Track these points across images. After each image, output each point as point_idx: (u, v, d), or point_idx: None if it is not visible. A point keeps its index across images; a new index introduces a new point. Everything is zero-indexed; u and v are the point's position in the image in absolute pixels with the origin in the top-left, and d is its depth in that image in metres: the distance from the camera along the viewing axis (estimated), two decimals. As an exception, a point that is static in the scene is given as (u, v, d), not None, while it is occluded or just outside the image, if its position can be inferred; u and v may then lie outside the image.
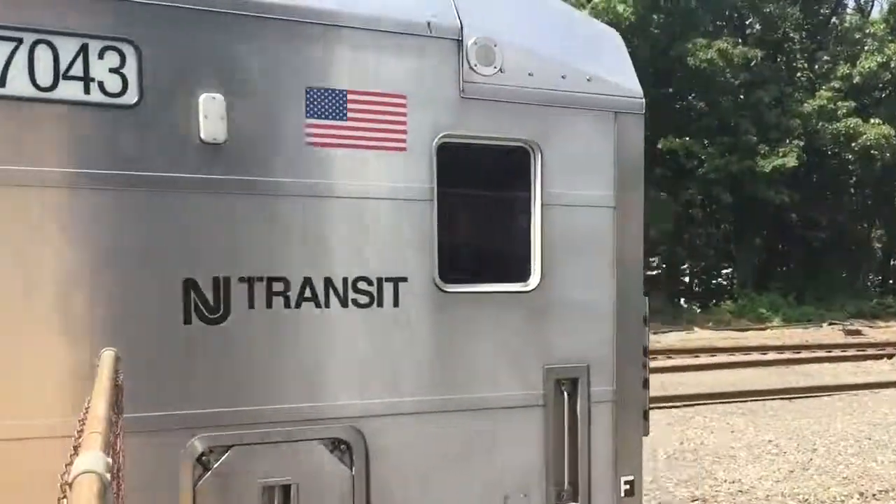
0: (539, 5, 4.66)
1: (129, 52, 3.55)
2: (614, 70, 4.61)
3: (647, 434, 4.87)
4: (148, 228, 3.64)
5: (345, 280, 4.01)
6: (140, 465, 3.38)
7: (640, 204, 4.73)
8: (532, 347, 4.44)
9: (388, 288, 4.11)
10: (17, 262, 3.43)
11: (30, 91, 3.39)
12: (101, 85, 3.52)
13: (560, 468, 4.55)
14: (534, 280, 4.42)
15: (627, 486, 4.73)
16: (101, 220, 3.57)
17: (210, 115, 3.67)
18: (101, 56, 3.51)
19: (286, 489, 3.90)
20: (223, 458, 3.79)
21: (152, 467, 3.59)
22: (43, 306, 3.46)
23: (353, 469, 4.03)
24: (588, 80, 4.46)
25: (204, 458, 3.76)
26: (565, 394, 4.54)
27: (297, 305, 3.93)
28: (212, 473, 3.75)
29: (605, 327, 4.60)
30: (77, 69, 3.50)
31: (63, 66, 3.48)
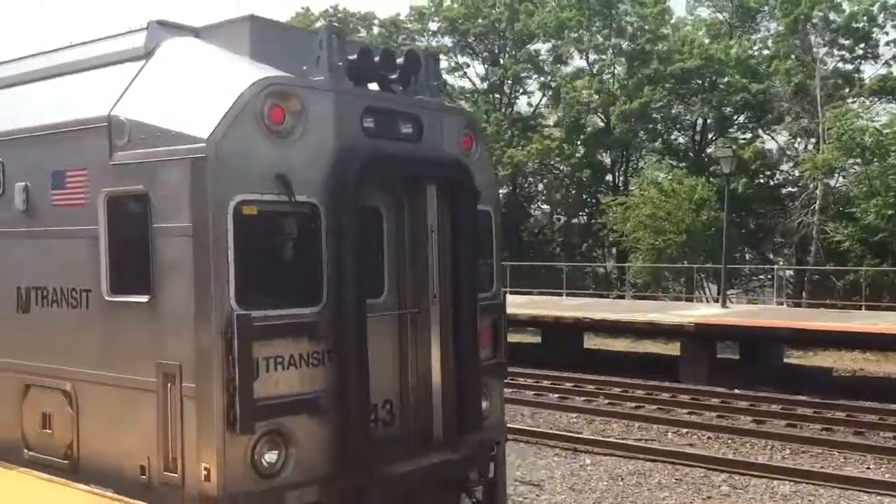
0: (162, 89, 6.10)
1: None
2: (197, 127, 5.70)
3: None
4: None
5: (64, 289, 6.45)
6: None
7: (225, 230, 5.50)
8: (150, 345, 5.87)
9: (83, 295, 6.30)
10: None
11: None
12: None
13: (167, 444, 5.74)
14: (150, 294, 5.88)
15: (206, 472, 5.49)
16: None
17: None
18: None
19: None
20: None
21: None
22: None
23: (71, 410, 6.36)
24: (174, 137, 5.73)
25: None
26: (168, 385, 5.71)
27: (51, 304, 6.59)
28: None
29: (189, 336, 5.60)
30: None
31: None
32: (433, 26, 48.18)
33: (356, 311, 6.01)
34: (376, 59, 6.63)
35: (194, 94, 6.11)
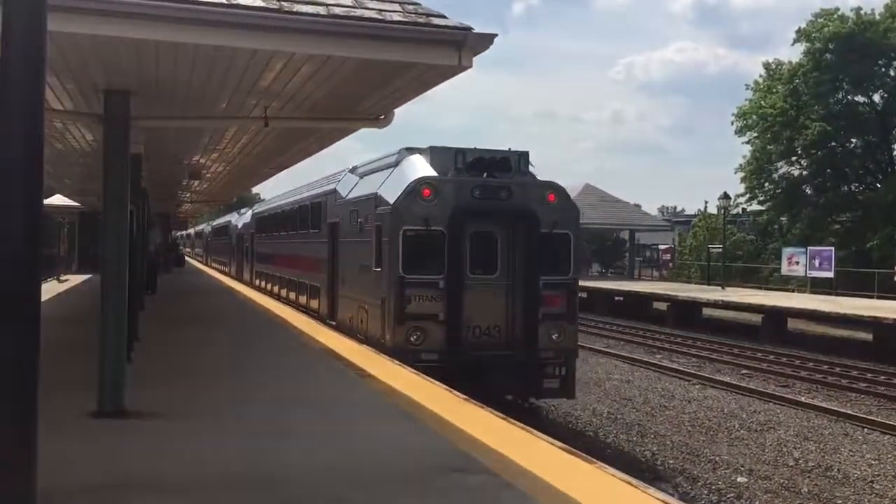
0: None
1: None
2: None
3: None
4: None
5: (364, 264, 15.46)
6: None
7: (399, 242, 13.68)
8: (379, 287, 14.50)
9: (367, 268, 15.18)
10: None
11: None
12: None
13: (382, 327, 14.06)
14: (380, 267, 14.44)
15: (390, 338, 13.72)
16: None
17: None
18: None
19: None
20: None
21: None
22: None
23: (363, 313, 15.30)
24: None
25: None
26: (383, 303, 14.16)
27: (360, 271, 15.74)
28: None
29: (388, 284, 14.01)
30: None
31: None
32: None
33: (457, 278, 13.68)
34: (485, 158, 14.39)
35: (400, 183, 14.31)
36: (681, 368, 21.71)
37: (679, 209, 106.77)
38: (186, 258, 58.50)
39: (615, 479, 6.23)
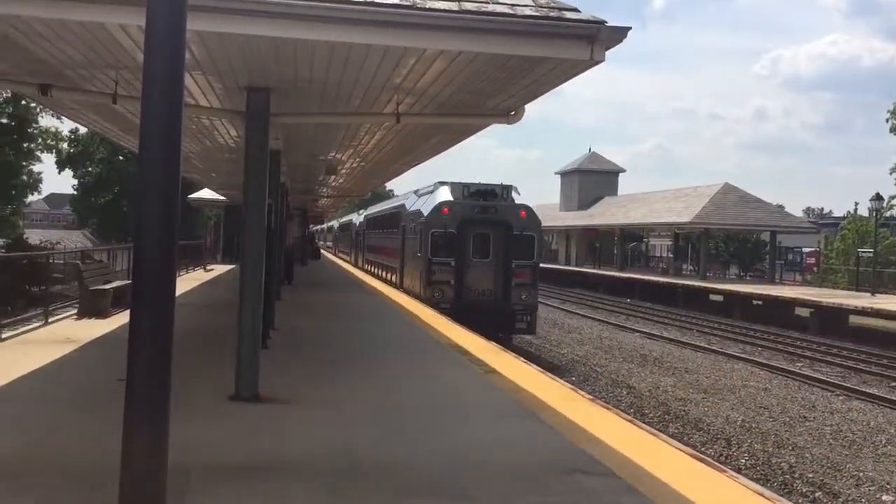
0: None
1: None
2: None
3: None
4: None
5: (415, 252, 25.11)
6: None
7: (429, 240, 23.85)
8: (421, 266, 24.32)
9: (418, 254, 25.12)
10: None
11: None
12: None
13: (421, 286, 24.31)
14: (421, 253, 24.58)
15: (421, 294, 23.84)
16: None
17: None
18: None
19: None
20: None
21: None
22: None
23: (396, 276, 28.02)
24: None
25: None
26: (420, 273, 24.38)
27: (413, 256, 25.91)
28: None
29: (422, 263, 24.34)
30: None
31: None
32: None
33: (462, 260, 23.16)
34: (482, 190, 24.03)
35: (432, 203, 24.36)
36: (824, 378, 20.58)
37: (826, 211, 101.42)
38: (321, 251, 60.57)
39: (747, 489, 5.97)
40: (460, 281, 22.94)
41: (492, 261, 23.12)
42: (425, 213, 23.96)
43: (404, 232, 27.75)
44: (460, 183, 24.08)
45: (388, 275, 31.21)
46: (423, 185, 29.10)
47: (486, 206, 23.39)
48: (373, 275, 35.19)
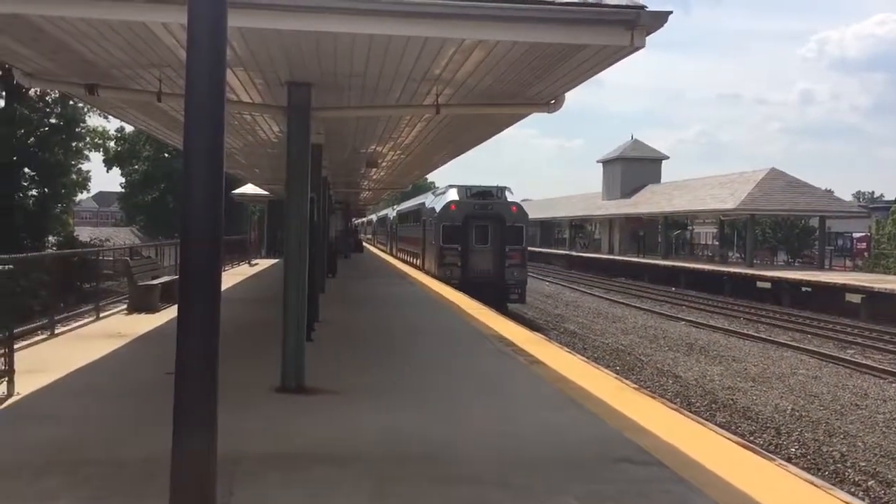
0: None
1: None
2: None
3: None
4: None
5: (433, 240, 31.16)
6: None
7: (440, 230, 30.43)
8: (435, 252, 30.97)
9: (432, 242, 31.52)
10: None
11: None
12: None
13: (435, 265, 30.78)
14: (435, 243, 30.94)
15: (434, 272, 30.00)
16: None
17: None
18: None
19: None
20: None
21: None
22: None
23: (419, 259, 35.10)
24: None
25: None
26: (436, 256, 30.64)
27: (432, 243, 31.69)
28: None
29: (436, 249, 30.41)
30: None
31: None
32: None
33: (466, 246, 29.51)
34: (482, 191, 30.42)
35: (443, 202, 30.94)
36: (876, 365, 20.14)
37: (877, 195, 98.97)
38: (364, 244, 61.17)
39: (797, 478, 5.89)
40: (465, 262, 29.20)
41: (489, 246, 29.32)
42: (438, 210, 30.40)
43: (424, 225, 33.97)
44: (465, 186, 30.72)
45: (414, 259, 37.32)
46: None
47: (484, 203, 29.56)
48: (403, 261, 41.74)
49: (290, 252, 8.94)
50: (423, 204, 36.16)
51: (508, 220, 29.09)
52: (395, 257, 47.21)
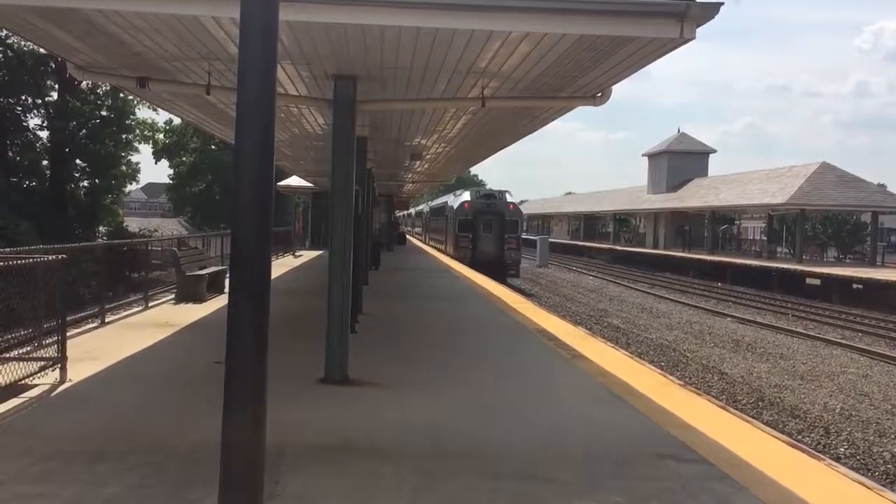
0: None
1: None
2: None
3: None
4: None
5: (452, 230, 41.02)
6: None
7: (457, 223, 39.32)
8: (453, 239, 41.80)
9: (451, 232, 41.53)
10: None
11: None
12: None
13: (452, 247, 41.34)
14: (452, 233, 40.06)
15: (453, 254, 39.10)
16: None
17: None
18: None
19: None
20: None
21: None
22: None
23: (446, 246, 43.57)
24: None
25: None
26: (455, 242, 40.68)
27: (450, 233, 41.85)
28: None
29: (453, 236, 40.77)
30: None
31: None
32: None
33: (476, 235, 39.36)
34: (487, 193, 41.54)
35: (459, 201, 41.48)
36: (929, 365, 19.66)
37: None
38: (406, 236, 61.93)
39: (846, 478, 5.77)
40: (475, 247, 39.05)
41: (493, 235, 39.09)
42: (455, 208, 41.00)
43: (447, 219, 44.17)
44: (475, 189, 44.50)
45: (440, 245, 47.64)
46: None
47: (489, 202, 39.94)
48: (433, 247, 52.35)
49: (335, 244, 9.00)
50: (447, 202, 47.39)
51: (507, 215, 39.63)
52: (427, 244, 57.25)
